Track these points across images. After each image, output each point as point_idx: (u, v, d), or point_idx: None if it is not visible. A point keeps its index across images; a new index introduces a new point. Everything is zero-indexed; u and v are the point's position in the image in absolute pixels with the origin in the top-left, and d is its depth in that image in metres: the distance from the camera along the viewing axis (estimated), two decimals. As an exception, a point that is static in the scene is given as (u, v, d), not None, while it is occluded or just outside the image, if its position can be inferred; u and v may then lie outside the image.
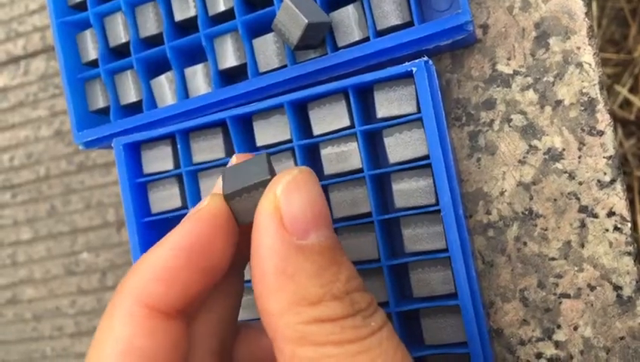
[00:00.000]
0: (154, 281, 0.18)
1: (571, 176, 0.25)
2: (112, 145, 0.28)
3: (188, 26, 0.29)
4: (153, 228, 0.29)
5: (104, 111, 0.30)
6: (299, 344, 0.17)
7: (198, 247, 0.19)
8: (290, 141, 0.27)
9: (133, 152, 0.29)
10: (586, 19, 0.25)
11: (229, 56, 0.28)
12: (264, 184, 0.19)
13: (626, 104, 0.69)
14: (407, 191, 0.25)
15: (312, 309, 0.17)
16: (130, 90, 0.29)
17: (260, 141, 0.27)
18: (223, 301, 0.21)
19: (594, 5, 0.71)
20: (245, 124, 0.28)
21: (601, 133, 0.25)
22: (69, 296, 0.47)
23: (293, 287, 0.17)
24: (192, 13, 0.28)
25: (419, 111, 0.25)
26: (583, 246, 0.25)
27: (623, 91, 0.67)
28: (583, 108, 0.25)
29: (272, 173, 0.19)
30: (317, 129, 0.26)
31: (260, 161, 0.20)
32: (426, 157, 0.25)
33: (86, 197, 0.47)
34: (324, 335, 0.17)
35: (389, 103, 0.25)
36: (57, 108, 0.47)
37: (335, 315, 0.17)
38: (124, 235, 0.46)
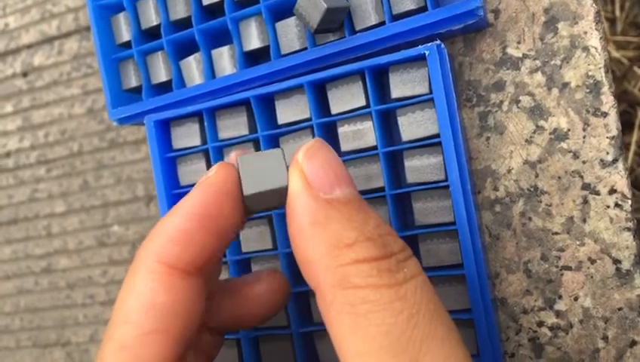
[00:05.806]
0: (171, 243, 0.21)
1: (575, 155, 0.27)
2: (144, 122, 0.30)
3: (215, 10, 0.31)
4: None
5: (137, 90, 0.32)
6: (340, 287, 0.18)
7: (209, 211, 0.21)
8: (309, 119, 0.28)
9: (164, 129, 0.31)
10: (594, 4, 0.26)
11: (253, 38, 0.30)
12: (281, 191, 0.21)
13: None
14: (419, 167, 0.27)
15: (348, 250, 0.19)
16: (160, 70, 0.31)
17: (282, 119, 0.29)
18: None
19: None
20: (268, 103, 0.30)
21: (605, 115, 0.26)
22: (100, 266, 0.49)
23: (328, 233, 0.19)
24: (219, -3, 0.30)
25: (431, 92, 0.26)
26: (584, 221, 0.27)
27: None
28: (588, 90, 0.26)
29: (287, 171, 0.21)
30: (335, 108, 0.28)
31: (277, 162, 0.21)
32: (437, 135, 0.26)
33: (117, 172, 0.48)
34: (363, 278, 0.18)
35: (402, 84, 0.27)
36: (90, 87, 0.49)
37: (370, 256, 0.19)
38: (153, 209, 0.47)
